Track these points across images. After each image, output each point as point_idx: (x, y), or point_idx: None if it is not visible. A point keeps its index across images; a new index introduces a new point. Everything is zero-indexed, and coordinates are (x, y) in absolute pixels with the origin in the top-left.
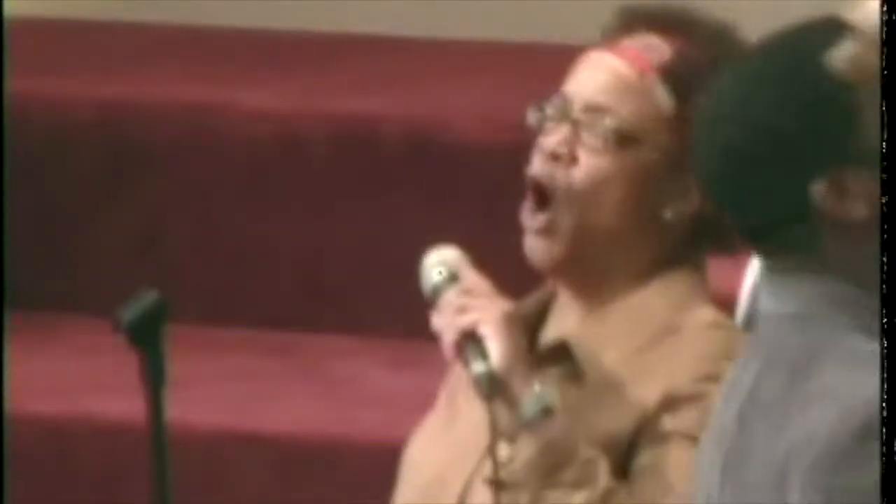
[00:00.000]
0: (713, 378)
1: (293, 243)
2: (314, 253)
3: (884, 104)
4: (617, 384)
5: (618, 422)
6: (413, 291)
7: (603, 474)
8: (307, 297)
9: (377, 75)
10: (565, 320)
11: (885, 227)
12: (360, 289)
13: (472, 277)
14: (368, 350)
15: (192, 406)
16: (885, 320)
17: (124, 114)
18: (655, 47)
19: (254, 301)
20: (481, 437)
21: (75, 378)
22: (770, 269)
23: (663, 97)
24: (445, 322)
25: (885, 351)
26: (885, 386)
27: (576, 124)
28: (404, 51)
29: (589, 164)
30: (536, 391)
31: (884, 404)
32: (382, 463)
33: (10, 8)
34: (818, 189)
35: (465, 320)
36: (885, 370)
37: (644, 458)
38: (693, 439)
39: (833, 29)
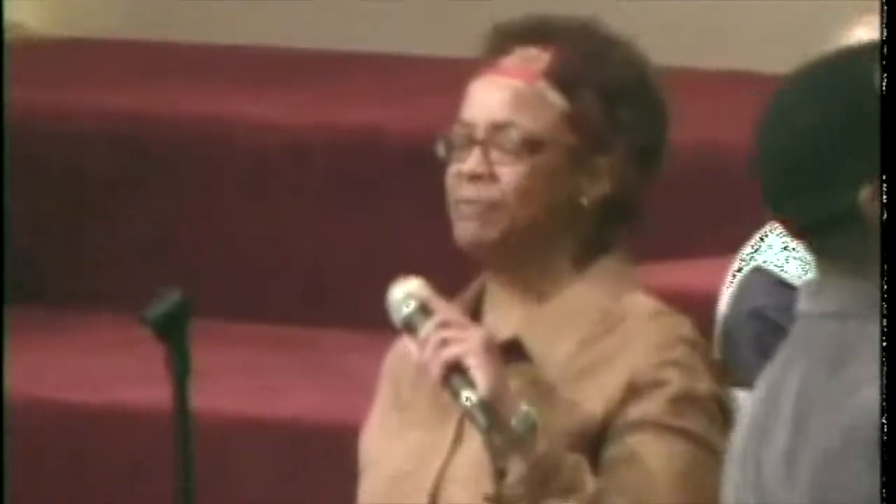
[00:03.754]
0: (673, 363)
1: (300, 245)
2: (320, 254)
3: (884, 104)
4: (574, 378)
5: (583, 415)
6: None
7: (589, 477)
8: (313, 295)
9: (378, 90)
10: (506, 317)
11: (886, 226)
12: (362, 287)
13: (444, 308)
14: (370, 344)
15: (208, 395)
16: (884, 320)
17: (143, 124)
18: (535, 57)
19: (264, 298)
20: (445, 437)
21: (103, 369)
22: (816, 270)
23: (555, 99)
24: (428, 357)
25: (886, 351)
26: (886, 386)
27: (484, 144)
28: (403, 67)
29: (507, 176)
30: (524, 411)
31: (884, 405)
32: None
33: (41, 27)
34: (865, 195)
35: (449, 354)
36: (885, 371)
37: (617, 449)
38: (661, 425)
39: (877, 52)
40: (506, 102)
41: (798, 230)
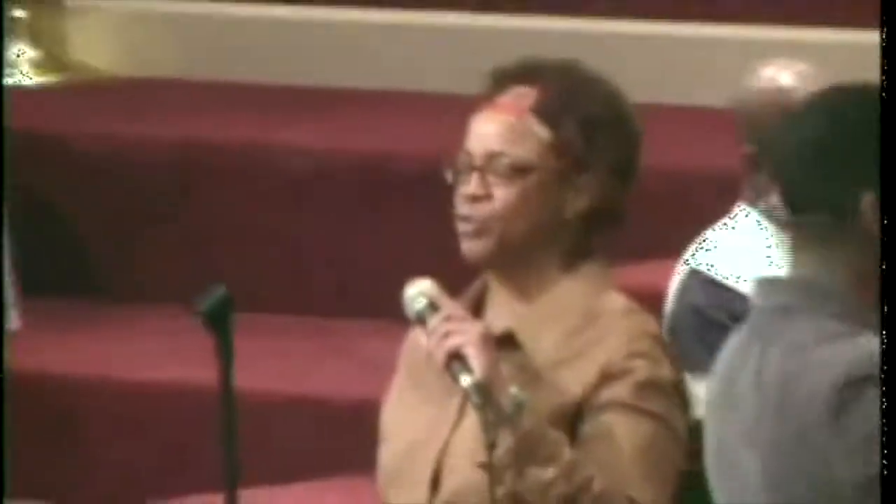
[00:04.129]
0: (640, 354)
1: (327, 249)
2: (344, 257)
3: (884, 104)
4: (557, 365)
5: (563, 397)
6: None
7: (566, 450)
8: (339, 291)
9: (392, 121)
10: (502, 312)
11: (886, 227)
12: (380, 284)
13: (449, 304)
14: (387, 332)
15: (248, 376)
16: (885, 320)
17: (195, 148)
18: (524, 94)
19: (296, 294)
20: (450, 413)
21: (159, 353)
22: (786, 265)
23: (540, 130)
24: (433, 346)
25: (886, 352)
26: (886, 386)
27: (481, 170)
28: (413, 102)
29: (500, 196)
30: (513, 393)
31: (884, 405)
32: None
33: (108, 69)
34: (868, 200)
35: (451, 344)
36: (886, 370)
37: (591, 426)
38: (628, 406)
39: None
40: (498, 134)
41: (788, 223)
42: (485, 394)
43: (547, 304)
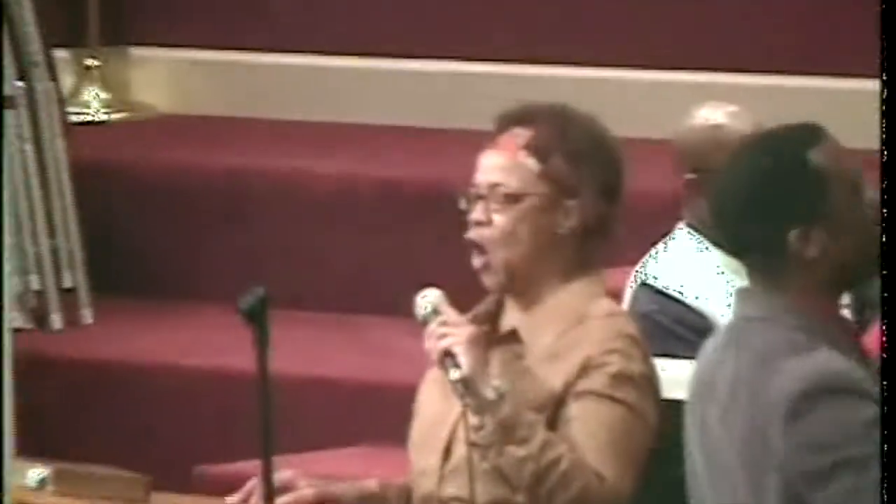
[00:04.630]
0: (615, 351)
1: (350, 258)
2: (364, 264)
3: (884, 103)
4: (549, 359)
5: (549, 387)
6: (427, 286)
7: (541, 431)
8: (360, 292)
9: (407, 152)
10: (511, 316)
11: (886, 226)
12: (394, 287)
13: (449, 311)
14: (398, 326)
15: (282, 362)
16: (885, 322)
17: (241, 174)
18: (519, 134)
19: (324, 293)
20: (452, 402)
21: (209, 343)
22: (748, 284)
23: (532, 164)
24: (431, 345)
25: (887, 352)
26: (887, 385)
27: (485, 199)
28: (422, 137)
29: (498, 222)
30: (496, 384)
31: (885, 405)
32: (408, 401)
33: (166, 108)
34: (794, 235)
35: (444, 344)
36: (887, 371)
37: (569, 411)
38: (602, 395)
39: (813, 132)
40: (497, 169)
41: (746, 255)
42: (469, 386)
43: (545, 311)
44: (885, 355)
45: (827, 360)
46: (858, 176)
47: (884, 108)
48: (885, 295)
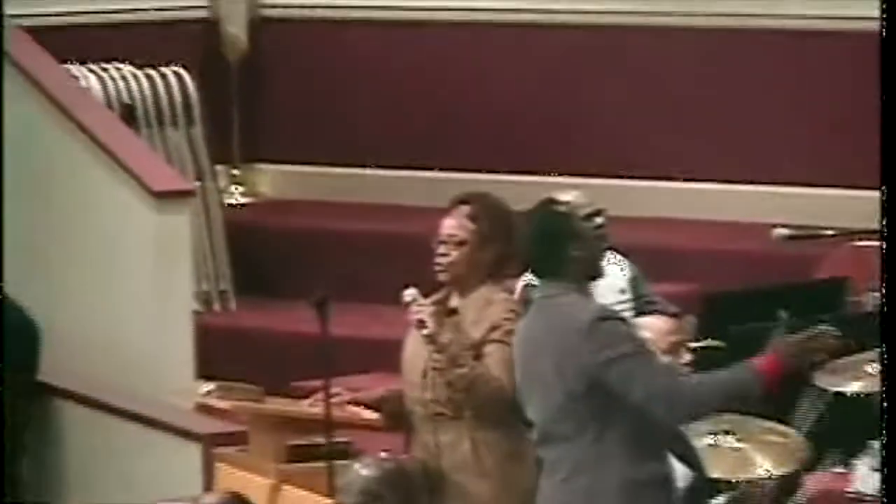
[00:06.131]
0: (507, 319)
1: (370, 275)
2: (375, 283)
3: (884, 104)
4: (473, 324)
5: (475, 337)
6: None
7: (471, 361)
8: (380, 292)
9: (414, 222)
10: (455, 300)
11: (887, 227)
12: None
13: (421, 298)
14: (389, 314)
15: (337, 328)
16: (886, 320)
17: (327, 234)
18: (463, 209)
19: (357, 296)
20: (425, 347)
21: (304, 320)
22: (542, 284)
23: (469, 225)
24: (412, 317)
25: (888, 352)
26: (887, 387)
27: (445, 242)
28: (418, 212)
29: (452, 254)
30: (449, 336)
31: (885, 405)
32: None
33: (272, 194)
34: (569, 256)
35: (418, 316)
36: (888, 371)
37: (484, 350)
38: (500, 341)
39: (551, 202)
40: (451, 227)
41: (538, 271)
42: (432, 338)
43: (472, 299)
44: (885, 355)
45: (597, 304)
46: (582, 220)
47: (884, 108)
48: (885, 297)
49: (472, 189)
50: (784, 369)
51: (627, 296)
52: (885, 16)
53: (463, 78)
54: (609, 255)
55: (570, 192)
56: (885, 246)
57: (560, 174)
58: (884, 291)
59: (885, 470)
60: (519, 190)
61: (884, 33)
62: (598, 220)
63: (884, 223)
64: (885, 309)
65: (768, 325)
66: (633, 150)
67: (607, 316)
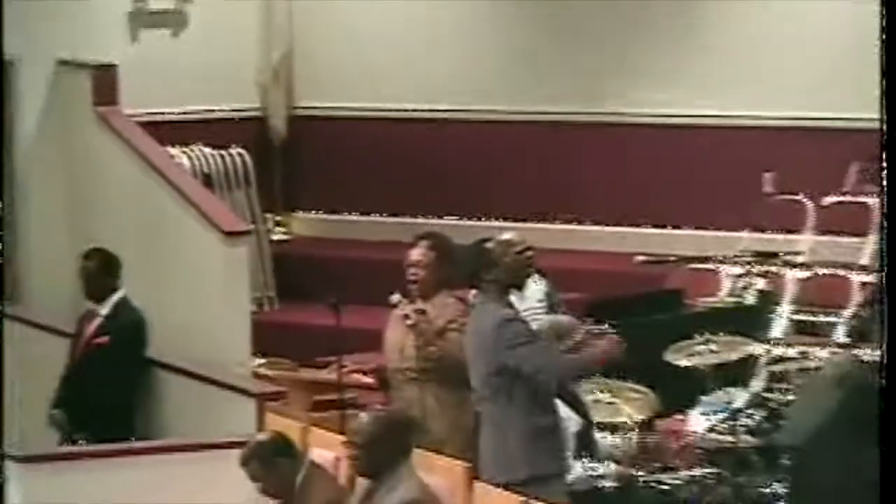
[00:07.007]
0: (458, 316)
1: (377, 289)
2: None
3: (884, 103)
4: (435, 318)
5: (438, 326)
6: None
7: (439, 341)
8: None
9: (388, 252)
10: (422, 303)
11: (887, 228)
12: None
13: (404, 301)
14: (376, 312)
15: (350, 320)
16: (886, 320)
17: (362, 263)
18: (424, 244)
19: (360, 301)
20: (406, 329)
21: (315, 318)
22: (477, 295)
23: (430, 255)
24: (398, 313)
25: (888, 353)
26: (887, 388)
27: (412, 266)
28: (394, 245)
29: (419, 274)
30: (422, 326)
31: (884, 406)
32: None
33: (301, 233)
34: (490, 277)
35: (402, 311)
36: (888, 372)
37: (445, 336)
38: (455, 329)
39: (484, 240)
40: (417, 255)
41: (476, 285)
42: (413, 327)
43: (434, 302)
44: (885, 355)
45: (505, 310)
46: (511, 253)
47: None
48: (885, 296)
49: (433, 230)
50: (609, 355)
51: (544, 302)
52: (884, 15)
53: (434, 158)
54: (534, 274)
55: (509, 232)
56: (885, 246)
57: (496, 219)
58: (884, 291)
59: (886, 469)
60: (464, 231)
61: (884, 34)
62: (528, 252)
63: (884, 223)
64: (885, 309)
65: (628, 322)
66: (552, 208)
67: (511, 318)
